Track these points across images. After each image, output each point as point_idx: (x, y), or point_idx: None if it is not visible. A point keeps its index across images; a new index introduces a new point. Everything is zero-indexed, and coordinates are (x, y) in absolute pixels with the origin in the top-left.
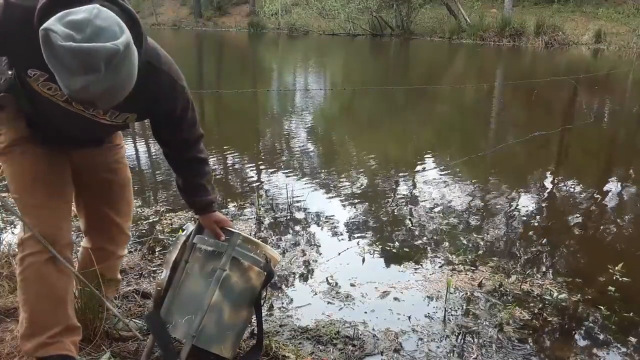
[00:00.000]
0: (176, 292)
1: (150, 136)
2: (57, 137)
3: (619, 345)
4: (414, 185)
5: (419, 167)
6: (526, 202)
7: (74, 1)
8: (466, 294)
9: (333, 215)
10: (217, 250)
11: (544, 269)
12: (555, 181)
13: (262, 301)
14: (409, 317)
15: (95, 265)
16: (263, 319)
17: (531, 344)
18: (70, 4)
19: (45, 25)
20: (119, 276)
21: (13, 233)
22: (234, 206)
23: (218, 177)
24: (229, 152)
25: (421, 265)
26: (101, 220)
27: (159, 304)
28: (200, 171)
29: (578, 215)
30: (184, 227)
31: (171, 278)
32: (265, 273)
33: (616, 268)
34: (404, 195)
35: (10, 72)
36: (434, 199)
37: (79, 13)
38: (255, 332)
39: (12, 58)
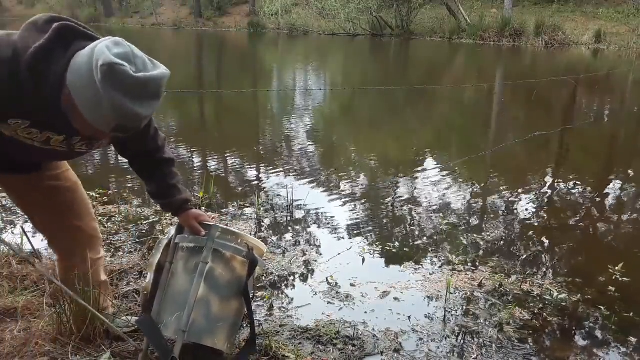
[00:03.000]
0: (164, 293)
1: None
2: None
3: (619, 345)
4: (414, 185)
5: (419, 167)
6: (526, 202)
7: (68, 44)
8: (466, 294)
9: (333, 215)
10: (197, 245)
11: (544, 269)
12: (556, 181)
13: (251, 292)
14: (409, 317)
15: (72, 278)
16: (263, 318)
17: (531, 344)
18: (66, 46)
19: (105, 60)
20: (105, 277)
21: (13, 233)
22: (234, 206)
23: (218, 177)
24: (229, 152)
25: (421, 265)
26: (63, 229)
27: (147, 308)
28: (169, 172)
29: (578, 215)
30: (166, 231)
31: (157, 280)
32: (249, 262)
33: (616, 268)
34: (404, 195)
35: None
36: (434, 199)
37: (115, 47)
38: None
39: None
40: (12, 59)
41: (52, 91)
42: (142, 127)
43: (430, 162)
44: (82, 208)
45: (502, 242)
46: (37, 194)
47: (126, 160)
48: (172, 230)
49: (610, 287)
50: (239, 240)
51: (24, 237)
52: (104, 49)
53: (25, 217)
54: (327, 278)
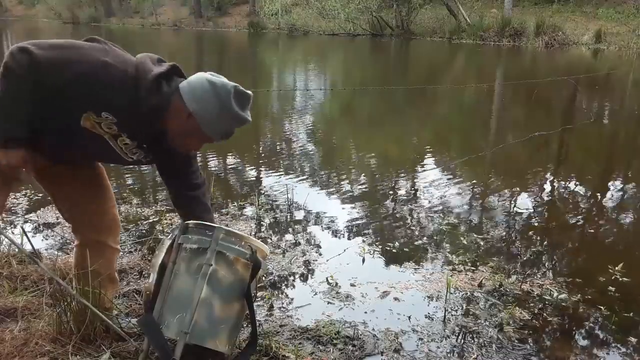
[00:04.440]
0: (166, 294)
1: None
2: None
3: (619, 345)
4: (414, 185)
5: (419, 167)
6: (526, 202)
7: (172, 78)
8: (466, 294)
9: (333, 215)
10: (201, 246)
11: (544, 269)
12: (556, 181)
13: (253, 293)
14: (409, 317)
15: (87, 264)
16: (263, 319)
17: (531, 344)
18: (171, 79)
19: (231, 85)
20: (116, 275)
21: (13, 233)
22: (234, 206)
23: (218, 177)
24: (229, 152)
25: (421, 265)
26: (88, 211)
27: (150, 308)
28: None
29: (578, 215)
30: (168, 231)
31: (160, 281)
32: (252, 264)
33: (616, 268)
34: (404, 195)
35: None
36: (434, 199)
37: (219, 76)
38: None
39: (90, 100)
40: (135, 74)
41: (158, 107)
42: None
43: (430, 162)
44: (107, 192)
45: (502, 242)
46: (70, 178)
47: (125, 163)
48: (175, 231)
49: (610, 287)
50: (242, 243)
51: (24, 237)
52: (216, 78)
53: (25, 216)
54: (327, 278)
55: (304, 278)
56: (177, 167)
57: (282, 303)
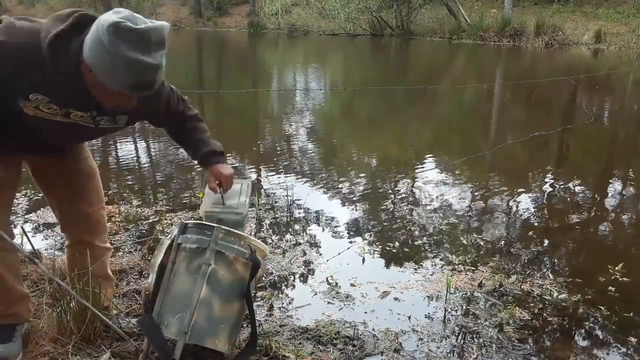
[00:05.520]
0: (166, 294)
1: (149, 135)
2: (29, 148)
3: (619, 345)
4: (414, 185)
5: (419, 167)
6: (526, 202)
7: (84, 29)
8: (466, 294)
9: (333, 215)
10: (200, 246)
11: (544, 269)
12: (555, 181)
13: (252, 292)
14: (409, 317)
15: (78, 264)
16: (263, 319)
17: (531, 344)
18: (83, 30)
19: (109, 22)
20: (111, 273)
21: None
22: None
23: None
24: (229, 152)
25: (421, 265)
26: (73, 211)
27: (149, 308)
28: (193, 127)
29: (578, 215)
30: (168, 231)
31: (159, 281)
32: (251, 264)
33: (616, 268)
34: (404, 195)
35: None
36: (434, 199)
37: (116, 14)
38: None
39: (9, 89)
40: (36, 41)
41: (71, 69)
42: (157, 82)
43: (430, 162)
44: (94, 195)
45: (502, 242)
46: (58, 178)
47: (125, 161)
48: (174, 231)
49: (610, 287)
50: (242, 242)
51: (24, 237)
52: (106, 16)
53: (25, 216)
54: (327, 278)
55: (304, 278)
56: (155, 115)
57: (282, 303)
